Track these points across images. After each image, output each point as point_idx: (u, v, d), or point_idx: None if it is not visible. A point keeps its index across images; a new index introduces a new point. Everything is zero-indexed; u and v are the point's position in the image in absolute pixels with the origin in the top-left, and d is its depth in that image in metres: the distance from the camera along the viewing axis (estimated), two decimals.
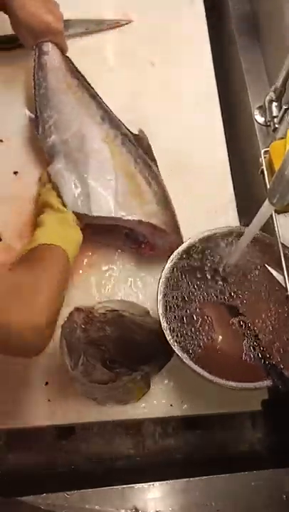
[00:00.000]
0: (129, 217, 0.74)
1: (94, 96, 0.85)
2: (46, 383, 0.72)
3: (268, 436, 0.79)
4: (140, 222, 0.74)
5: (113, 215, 0.73)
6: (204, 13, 1.01)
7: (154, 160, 0.82)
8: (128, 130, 0.83)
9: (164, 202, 0.78)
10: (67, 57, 0.88)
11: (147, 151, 0.82)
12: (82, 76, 0.86)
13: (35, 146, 0.85)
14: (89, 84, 0.85)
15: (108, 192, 0.74)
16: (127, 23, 1.00)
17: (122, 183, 0.76)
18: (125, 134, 0.82)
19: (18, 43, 0.90)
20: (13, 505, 0.60)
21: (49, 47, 0.84)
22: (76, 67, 0.86)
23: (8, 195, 0.83)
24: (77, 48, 0.96)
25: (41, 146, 0.81)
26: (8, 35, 0.93)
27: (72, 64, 0.87)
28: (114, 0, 1.03)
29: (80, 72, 0.86)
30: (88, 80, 0.89)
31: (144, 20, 1.00)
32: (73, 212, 0.72)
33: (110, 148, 0.78)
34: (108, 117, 0.83)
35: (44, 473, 0.75)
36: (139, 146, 0.81)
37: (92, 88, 0.86)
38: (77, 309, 0.65)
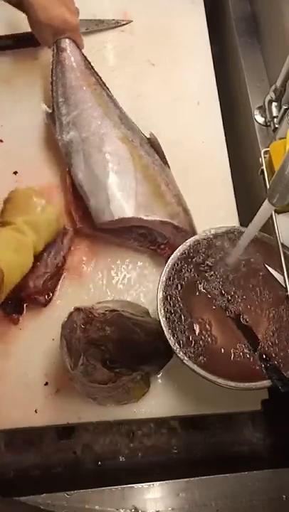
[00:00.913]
0: (152, 218, 0.73)
1: (110, 95, 0.85)
2: (46, 383, 0.72)
3: (268, 436, 0.78)
4: (163, 222, 0.74)
5: (134, 215, 0.72)
6: (204, 13, 1.01)
7: (166, 163, 0.82)
8: (141, 133, 0.83)
9: (183, 203, 0.78)
10: (84, 54, 0.88)
11: (160, 154, 0.82)
12: (98, 74, 0.86)
13: (35, 146, 0.85)
14: (104, 82, 0.86)
15: (128, 192, 0.74)
16: (127, 23, 1.00)
17: (142, 183, 0.75)
18: (141, 137, 0.82)
19: (21, 43, 0.91)
20: (13, 505, 0.60)
21: (67, 43, 0.85)
22: (92, 65, 0.86)
23: None
24: None
25: (56, 141, 0.80)
26: (9, 35, 0.94)
27: (88, 61, 0.87)
28: (114, 0, 1.03)
29: (95, 70, 0.86)
30: None
31: (144, 20, 1.00)
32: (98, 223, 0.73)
33: (129, 149, 0.78)
34: (124, 118, 0.83)
35: (44, 473, 0.75)
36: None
37: (107, 87, 0.86)
38: (77, 309, 0.65)
